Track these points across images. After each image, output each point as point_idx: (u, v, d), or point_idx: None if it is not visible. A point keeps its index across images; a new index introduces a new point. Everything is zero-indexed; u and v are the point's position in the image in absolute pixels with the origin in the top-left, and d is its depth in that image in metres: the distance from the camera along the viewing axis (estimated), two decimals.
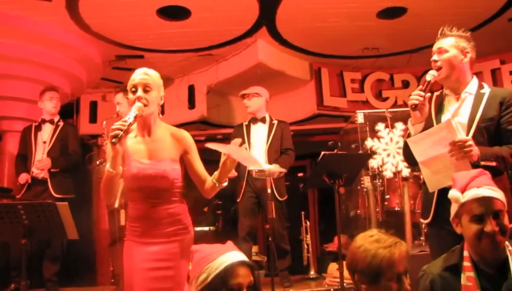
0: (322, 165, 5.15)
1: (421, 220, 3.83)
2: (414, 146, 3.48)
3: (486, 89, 3.64)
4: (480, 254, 2.72)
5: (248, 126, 6.95)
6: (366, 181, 7.10)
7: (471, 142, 3.26)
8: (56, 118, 6.82)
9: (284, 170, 6.15)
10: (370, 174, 7.16)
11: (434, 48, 3.72)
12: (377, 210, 7.21)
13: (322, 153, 5.06)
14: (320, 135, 9.97)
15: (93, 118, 9.42)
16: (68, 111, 9.18)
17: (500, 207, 2.68)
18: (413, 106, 3.50)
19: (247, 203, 6.67)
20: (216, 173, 3.46)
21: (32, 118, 7.21)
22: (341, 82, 9.54)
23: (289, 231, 7.21)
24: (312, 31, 7.95)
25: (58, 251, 6.56)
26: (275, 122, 6.94)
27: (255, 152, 6.73)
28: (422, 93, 3.51)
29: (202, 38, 7.92)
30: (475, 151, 3.25)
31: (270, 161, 6.61)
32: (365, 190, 7.25)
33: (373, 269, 2.48)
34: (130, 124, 3.14)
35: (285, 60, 8.89)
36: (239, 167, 6.48)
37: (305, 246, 7.42)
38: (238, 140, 3.31)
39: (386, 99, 9.55)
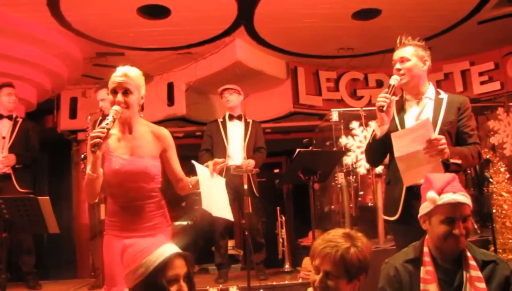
0: (297, 161, 5.30)
1: (386, 217, 4.01)
2: (396, 141, 3.65)
3: (444, 95, 3.91)
4: (441, 251, 2.96)
5: (224, 123, 7.05)
6: (340, 177, 7.25)
7: (444, 141, 3.49)
8: (14, 114, 6.83)
9: (256, 169, 6.40)
10: (344, 170, 7.31)
11: (396, 57, 3.93)
12: (351, 205, 7.36)
13: (297, 150, 5.21)
14: (295, 133, 10.10)
15: (73, 114, 9.43)
16: (48, 107, 9.24)
17: (468, 212, 2.93)
18: (381, 107, 3.68)
19: None
20: (194, 178, 3.56)
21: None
22: (317, 81, 9.68)
23: (265, 225, 7.34)
24: (289, 31, 8.07)
25: (29, 243, 6.61)
26: (250, 121, 7.10)
27: (234, 148, 6.88)
28: (388, 96, 3.71)
29: (182, 37, 8.00)
30: (447, 149, 3.50)
31: (248, 157, 6.79)
32: (339, 186, 7.39)
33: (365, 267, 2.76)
34: (109, 129, 3.18)
35: (263, 59, 9.00)
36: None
37: (281, 240, 7.55)
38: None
39: (360, 98, 9.73)
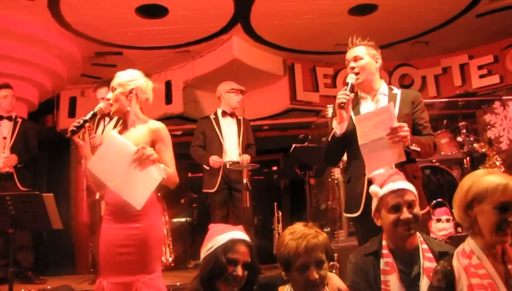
0: (293, 157, 5.40)
1: (347, 215, 4.03)
2: (359, 126, 3.68)
3: (397, 91, 4.03)
4: (396, 241, 3.09)
5: (216, 119, 7.01)
6: (336, 173, 7.30)
7: (407, 127, 3.58)
8: (14, 114, 6.87)
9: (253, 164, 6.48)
10: (341, 166, 7.36)
11: (349, 56, 4.05)
12: None
13: (293, 145, 5.30)
14: (293, 130, 10.00)
15: (72, 114, 9.46)
16: (48, 106, 9.32)
17: (412, 197, 3.09)
18: (342, 104, 3.71)
19: (221, 195, 6.78)
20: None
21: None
22: (314, 77, 9.75)
23: (261, 222, 7.36)
24: (285, 28, 8.14)
25: (28, 241, 6.69)
26: (241, 118, 7.11)
27: (229, 144, 6.87)
28: (348, 93, 3.75)
29: (179, 35, 8.09)
30: (409, 136, 3.59)
31: (243, 153, 6.84)
32: (336, 182, 7.44)
33: (284, 259, 2.84)
34: (86, 121, 3.54)
35: (260, 56, 9.08)
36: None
37: (277, 235, 7.59)
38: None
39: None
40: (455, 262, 2.66)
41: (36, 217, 4.58)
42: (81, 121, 3.49)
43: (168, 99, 9.33)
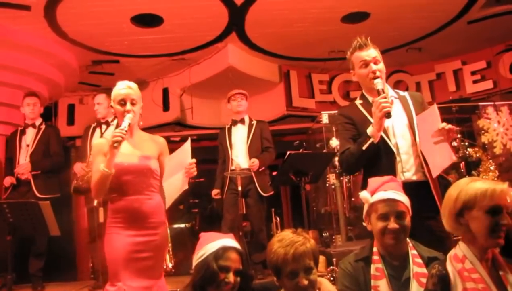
0: (288, 163, 5.43)
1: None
2: (422, 124, 3.66)
3: (404, 93, 3.98)
4: (384, 248, 3.12)
5: (229, 129, 7.14)
6: (332, 178, 7.35)
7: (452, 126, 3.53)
8: (38, 122, 6.99)
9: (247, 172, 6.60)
10: (337, 171, 7.40)
11: (368, 57, 3.80)
12: (345, 206, 7.45)
13: (288, 152, 5.34)
14: (290, 136, 10.09)
15: (70, 121, 9.59)
16: (46, 114, 9.35)
17: (402, 208, 3.08)
18: (389, 113, 3.52)
19: (230, 199, 6.86)
20: None
21: (13, 122, 7.47)
22: (310, 83, 9.85)
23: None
24: (280, 35, 8.21)
25: (43, 248, 6.76)
26: (254, 122, 7.16)
27: (237, 152, 6.97)
28: (389, 100, 3.58)
29: (175, 44, 8.16)
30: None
31: (251, 158, 6.87)
32: (333, 187, 7.49)
33: (273, 266, 2.89)
34: (126, 131, 3.59)
35: (255, 64, 9.16)
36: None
37: None
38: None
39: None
40: (449, 266, 2.72)
41: (34, 224, 4.67)
42: (124, 132, 3.57)
43: (166, 106, 9.43)
